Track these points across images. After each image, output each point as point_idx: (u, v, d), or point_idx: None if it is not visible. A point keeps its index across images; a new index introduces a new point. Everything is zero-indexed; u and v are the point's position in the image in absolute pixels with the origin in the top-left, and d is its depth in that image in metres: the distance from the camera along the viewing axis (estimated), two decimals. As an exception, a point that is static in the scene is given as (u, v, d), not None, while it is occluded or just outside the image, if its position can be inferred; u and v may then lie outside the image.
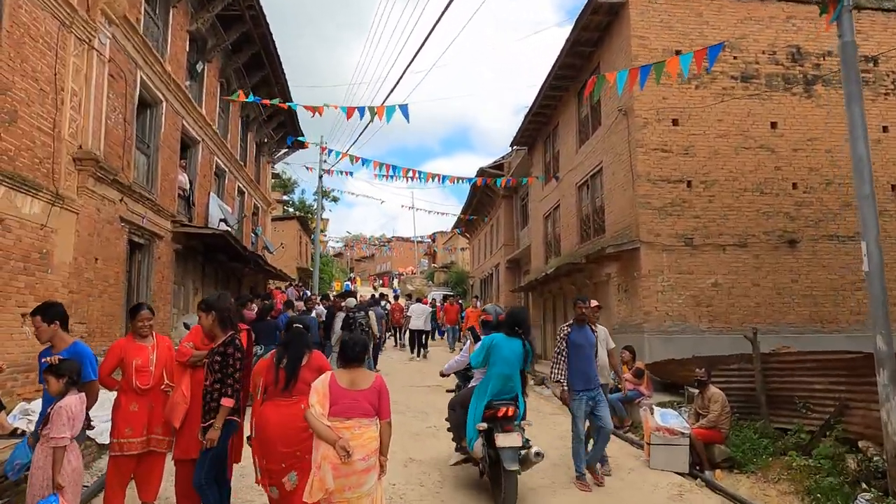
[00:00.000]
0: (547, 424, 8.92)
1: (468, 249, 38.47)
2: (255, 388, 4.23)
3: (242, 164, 17.81)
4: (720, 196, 10.57)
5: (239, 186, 17.64)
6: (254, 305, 10.66)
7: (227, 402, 3.98)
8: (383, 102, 9.35)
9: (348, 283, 53.95)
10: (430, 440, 7.86)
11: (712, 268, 10.35)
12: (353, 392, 3.64)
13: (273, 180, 50.43)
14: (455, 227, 32.51)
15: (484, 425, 5.16)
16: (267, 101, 12.01)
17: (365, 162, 13.37)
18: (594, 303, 7.43)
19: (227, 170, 16.12)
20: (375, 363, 14.31)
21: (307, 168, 23.02)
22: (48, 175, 7.35)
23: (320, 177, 24.73)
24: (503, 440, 5.02)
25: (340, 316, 11.38)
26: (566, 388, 6.27)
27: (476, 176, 19.47)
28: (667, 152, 10.58)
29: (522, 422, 5.44)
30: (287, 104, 10.73)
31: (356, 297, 13.02)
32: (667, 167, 10.54)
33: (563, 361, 6.31)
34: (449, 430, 6.36)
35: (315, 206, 56.06)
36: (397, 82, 39.83)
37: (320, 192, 24.78)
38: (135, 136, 10.14)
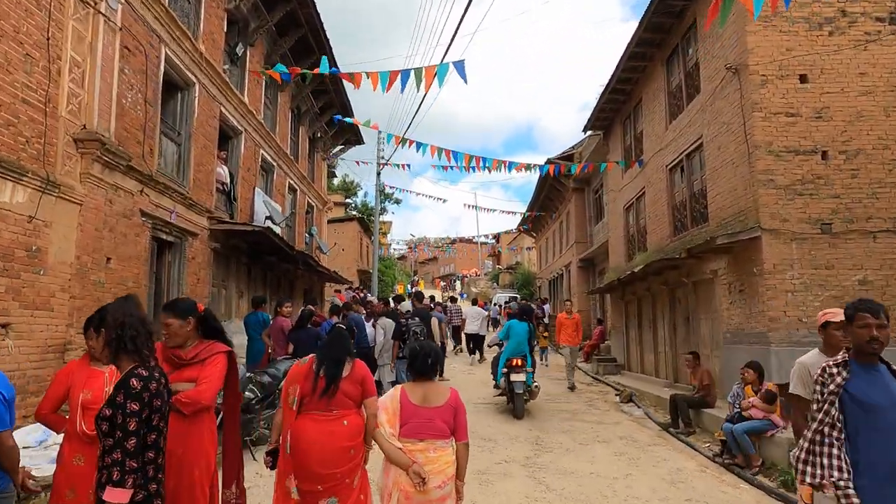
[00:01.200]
0: (647, 460, 7.01)
1: (534, 249, 36.40)
2: (287, 397, 3.51)
3: (293, 159, 16.68)
4: (867, 169, 8.28)
5: (290, 183, 16.52)
6: (305, 309, 9.26)
7: (112, 497, 2.21)
8: (440, 59, 7.82)
9: (410, 286, 53.24)
10: (501, 482, 6.11)
11: (859, 261, 8.09)
12: (427, 410, 3.32)
13: (334, 181, 50.27)
14: (521, 224, 30.56)
15: (505, 370, 9.23)
16: (297, 70, 10.63)
17: (420, 146, 11.77)
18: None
19: (275, 164, 14.99)
20: (441, 373, 12.78)
21: (363, 163, 21.44)
22: (38, 157, 6.15)
23: (378, 173, 23.45)
24: (514, 377, 9.05)
25: (384, 324, 9.84)
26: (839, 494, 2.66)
27: (546, 164, 17.55)
28: (793, 116, 8.40)
29: (529, 368, 9.20)
30: (327, 71, 9.19)
31: (420, 300, 11.49)
32: (794, 135, 8.36)
33: (831, 439, 2.73)
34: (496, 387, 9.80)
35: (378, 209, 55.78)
36: (448, 46, 38.10)
37: (378, 184, 23.44)
38: (160, 119, 8.98)
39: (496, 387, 9.70)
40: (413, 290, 18.60)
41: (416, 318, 9.81)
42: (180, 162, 9.88)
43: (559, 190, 24.94)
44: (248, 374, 6.70)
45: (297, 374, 3.49)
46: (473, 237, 61.93)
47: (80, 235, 6.77)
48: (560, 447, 7.42)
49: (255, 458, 6.65)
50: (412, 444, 3.23)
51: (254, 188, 13.28)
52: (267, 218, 13.12)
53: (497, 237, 54.96)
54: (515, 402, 9.07)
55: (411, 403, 3.32)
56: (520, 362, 8.99)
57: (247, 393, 6.47)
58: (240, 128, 12.38)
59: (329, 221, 33.02)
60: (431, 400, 3.34)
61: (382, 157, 23.01)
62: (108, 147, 7.03)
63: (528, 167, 13.31)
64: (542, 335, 15.68)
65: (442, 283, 68.06)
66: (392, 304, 10.98)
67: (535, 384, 9.36)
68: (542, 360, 15.35)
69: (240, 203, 12.46)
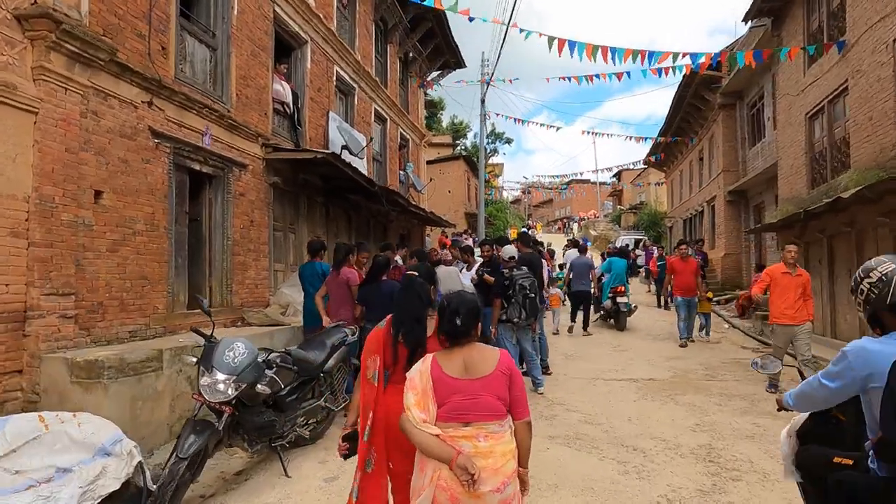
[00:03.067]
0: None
1: (665, 184, 31.90)
2: (366, 371, 2.76)
3: (380, 82, 14.29)
4: None
5: (377, 110, 14.21)
6: (379, 256, 7.02)
7: None
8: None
9: (525, 228, 50.29)
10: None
11: None
12: (470, 382, 2.39)
13: (443, 122, 47.90)
14: (651, 153, 26.27)
15: (611, 295, 12.03)
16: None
17: (527, 34, 8.80)
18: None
19: (355, 86, 12.68)
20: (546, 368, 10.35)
21: (460, 83, 18.62)
22: (-56, 37, 4.15)
23: (482, 101, 20.52)
24: (620, 299, 11.92)
25: (446, 275, 7.32)
26: None
27: (693, 70, 13.66)
28: None
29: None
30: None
31: (526, 244, 8.73)
32: None
33: None
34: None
35: (487, 150, 52.75)
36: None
37: (483, 111, 20.56)
38: (178, 8, 6.83)
39: (600, 310, 12.73)
40: (524, 230, 15.68)
41: (524, 268, 7.18)
42: (217, 71, 7.77)
43: (700, 109, 20.59)
44: (266, 357, 4.53)
45: (376, 341, 2.76)
46: (590, 178, 57.17)
47: (40, 158, 4.80)
48: (753, 470, 4.59)
49: (287, 474, 4.56)
50: (454, 430, 2.33)
51: (327, 113, 11.09)
52: (343, 148, 10.92)
53: (618, 174, 50.07)
54: (620, 319, 12.13)
55: (447, 376, 2.39)
56: (622, 289, 11.94)
57: (260, 387, 4.29)
58: (304, 35, 10.10)
59: (432, 162, 30.87)
60: (475, 369, 2.41)
61: (486, 75, 19.98)
62: (73, 32, 4.93)
63: (674, 60, 9.82)
64: (704, 296, 10.87)
65: (560, 226, 64.32)
66: (483, 249, 8.26)
67: (634, 305, 12.52)
68: (702, 332, 11.05)
69: (307, 129, 10.33)
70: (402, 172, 16.12)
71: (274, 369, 4.56)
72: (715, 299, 14.58)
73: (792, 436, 2.76)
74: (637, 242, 28.91)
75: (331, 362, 5.32)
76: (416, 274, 2.94)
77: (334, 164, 9.00)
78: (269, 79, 8.97)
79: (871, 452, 2.16)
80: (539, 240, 18.63)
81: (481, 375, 2.41)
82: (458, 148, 37.87)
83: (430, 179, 17.37)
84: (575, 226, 54.96)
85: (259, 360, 4.42)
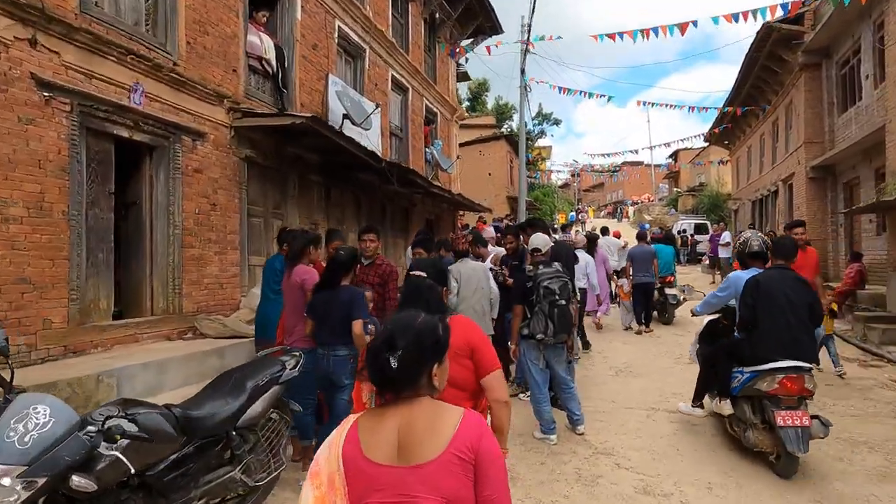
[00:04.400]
0: None
1: (729, 162, 28.81)
2: (361, 392, 2.53)
3: (398, 45, 12.39)
4: None
5: (395, 77, 12.33)
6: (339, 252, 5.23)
7: None
8: None
9: (574, 213, 47.54)
10: None
11: None
12: (402, 472, 1.44)
13: (487, 103, 45.57)
14: (715, 125, 23.32)
15: (659, 285, 10.36)
16: None
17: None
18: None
19: (366, 47, 10.84)
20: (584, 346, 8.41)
21: (497, 44, 16.47)
22: None
23: (522, 71, 18.28)
24: (668, 290, 10.50)
25: (463, 272, 5.43)
26: None
27: (777, 21, 11.14)
28: None
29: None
30: None
31: (567, 232, 6.78)
32: None
33: None
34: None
35: (534, 132, 50.18)
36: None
37: (523, 81, 18.32)
38: (84, -79, 5.13)
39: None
40: (535, 218, 13.49)
41: (555, 265, 5.19)
42: (157, 10, 6.05)
43: (776, 72, 17.76)
44: (105, 424, 2.77)
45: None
46: (644, 160, 53.69)
47: None
48: None
49: None
50: None
51: (326, 76, 9.30)
52: (345, 117, 9.12)
53: (675, 155, 46.62)
54: (668, 311, 10.64)
55: (367, 460, 1.47)
56: (671, 279, 10.52)
57: (77, 480, 2.53)
58: (291, -21, 8.33)
59: (471, 142, 28.82)
60: (413, 448, 1.45)
61: (526, 38, 17.73)
62: None
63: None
64: (829, 307, 6.82)
65: (609, 211, 61.18)
66: (507, 240, 6.33)
67: (683, 296, 10.61)
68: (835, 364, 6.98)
69: (298, 94, 8.56)
70: (428, 150, 14.23)
71: (123, 442, 2.78)
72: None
73: (695, 340, 5.52)
74: (697, 227, 26.12)
75: (252, 412, 3.53)
76: (424, 275, 2.53)
77: (323, 133, 7.20)
78: (241, 27, 7.23)
79: (735, 329, 4.63)
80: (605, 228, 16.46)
81: (421, 461, 1.42)
82: (502, 129, 35.59)
83: (458, 157, 15.42)
84: (630, 210, 51.78)
85: (92, 428, 2.66)
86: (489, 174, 28.05)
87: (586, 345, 8.81)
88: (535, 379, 5.05)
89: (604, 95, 17.25)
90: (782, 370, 4.07)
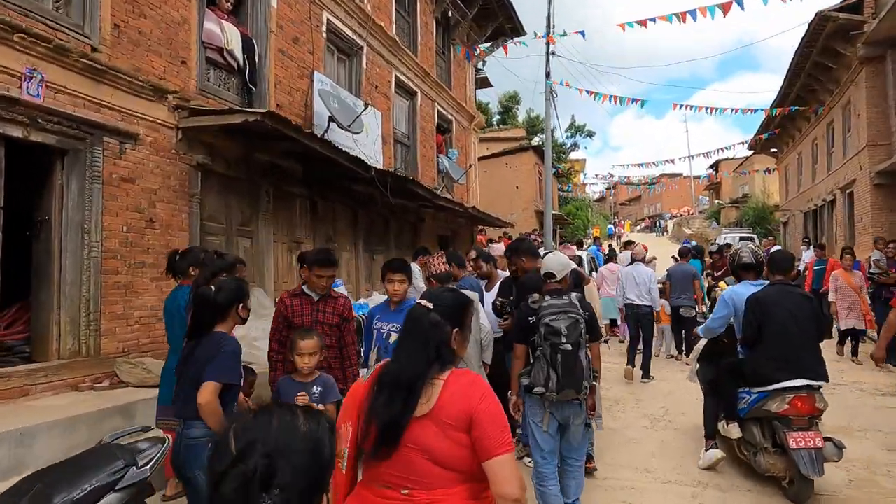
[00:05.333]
0: None
1: (777, 171, 26.72)
2: (339, 448, 1.82)
3: (403, 44, 11.24)
4: None
5: (400, 79, 11.15)
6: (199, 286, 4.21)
7: None
8: None
9: (611, 226, 45.58)
10: None
11: None
12: None
13: (518, 116, 44.26)
14: (761, 131, 21.33)
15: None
16: None
17: None
18: None
19: (363, 45, 9.70)
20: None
21: (515, 43, 15.12)
22: None
23: (547, 74, 16.91)
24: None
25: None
26: None
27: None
28: None
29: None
30: None
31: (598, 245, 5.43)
32: None
33: None
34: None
35: (567, 145, 48.57)
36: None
37: (548, 85, 16.92)
38: None
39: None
40: (589, 238, 12.12)
41: (571, 296, 3.77)
42: (71, -14, 4.97)
43: (830, 68, 15.96)
44: None
45: (353, 399, 1.84)
46: (682, 172, 51.23)
47: None
48: None
49: None
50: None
51: (311, 74, 8.16)
52: (330, 120, 7.94)
53: (716, 165, 44.31)
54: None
55: None
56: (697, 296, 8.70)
57: None
58: (264, -39, 7.23)
59: (497, 154, 27.52)
60: None
61: (549, 43, 16.37)
62: None
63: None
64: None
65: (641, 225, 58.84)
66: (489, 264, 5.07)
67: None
68: None
69: (273, 93, 7.41)
70: (440, 159, 12.97)
71: None
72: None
73: (694, 360, 5.08)
74: (743, 241, 24.11)
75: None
76: (430, 306, 1.82)
77: (287, 134, 6.00)
78: (194, 12, 6.13)
79: (738, 346, 4.43)
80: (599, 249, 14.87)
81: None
82: (528, 139, 34.18)
83: (470, 166, 14.07)
84: (669, 223, 49.48)
85: None
86: (516, 187, 26.68)
87: (647, 375, 7.94)
88: (539, 446, 3.66)
89: (636, 100, 15.62)
90: (792, 389, 3.96)
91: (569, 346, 3.48)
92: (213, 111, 5.81)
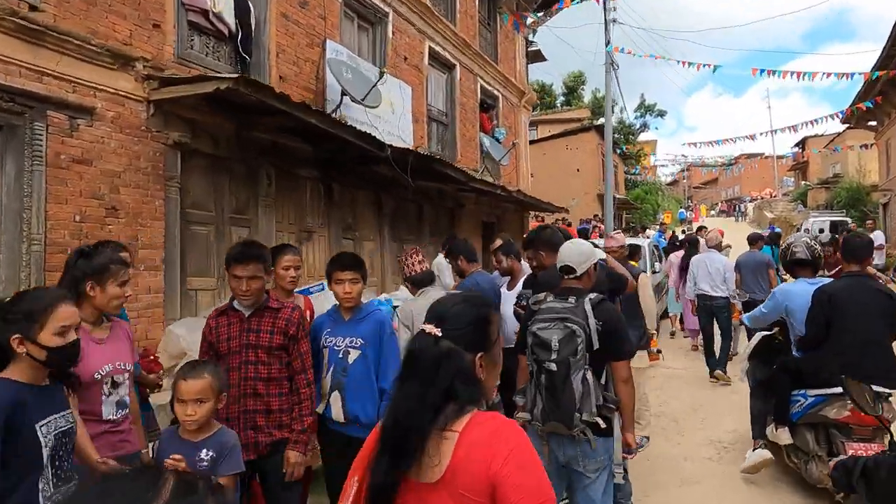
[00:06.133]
0: None
1: (875, 146, 23.76)
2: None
3: (438, 10, 10.18)
4: None
5: (433, 50, 10.10)
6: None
7: None
8: None
9: (684, 211, 42.85)
10: None
11: None
12: None
13: (584, 97, 42.15)
14: (860, 100, 18.75)
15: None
16: None
17: None
18: None
19: (388, 10, 8.72)
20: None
21: (564, 4, 13.63)
22: None
23: (607, 45, 15.32)
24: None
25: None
26: None
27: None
28: None
29: None
30: None
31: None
32: None
33: None
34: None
35: (636, 126, 45.93)
36: None
37: (609, 52, 15.36)
38: None
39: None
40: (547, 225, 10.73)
41: (587, 299, 2.71)
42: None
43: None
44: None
45: (366, 448, 1.47)
46: (764, 150, 47.14)
47: None
48: None
49: None
50: None
51: (323, 42, 7.27)
52: (343, 94, 7.04)
53: (802, 143, 40.56)
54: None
55: None
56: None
57: None
58: (260, -87, 6.36)
59: (556, 136, 26.01)
60: None
61: (609, 10, 14.80)
62: None
63: None
64: None
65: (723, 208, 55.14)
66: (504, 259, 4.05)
67: None
68: None
69: (275, 64, 6.57)
70: (486, 138, 11.84)
71: None
72: None
73: (745, 357, 4.57)
74: (835, 226, 21.58)
75: None
76: (438, 333, 1.38)
77: (272, 105, 5.13)
78: (171, -30, 5.34)
79: (793, 347, 4.04)
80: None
81: None
82: (591, 119, 32.24)
83: (514, 144, 12.78)
84: (749, 207, 46.01)
85: None
86: (577, 170, 25.09)
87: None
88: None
89: (707, 65, 13.88)
90: None
91: (553, 366, 2.58)
92: (183, 80, 4.99)
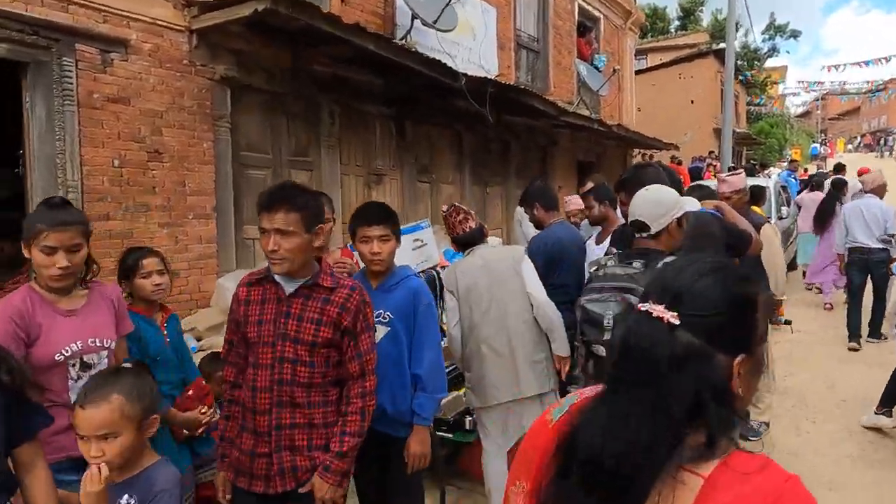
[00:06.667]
0: None
1: None
2: None
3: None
4: None
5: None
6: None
7: None
8: None
9: (816, 146, 38.18)
10: None
11: None
12: None
13: (702, 20, 37.88)
14: None
15: None
16: None
17: None
18: None
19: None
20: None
21: None
22: None
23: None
24: None
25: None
26: None
27: None
28: None
29: None
30: None
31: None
32: None
33: None
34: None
35: (763, 50, 40.94)
36: None
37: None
38: None
39: None
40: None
41: (636, 266, 1.94)
42: None
43: None
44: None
45: (534, 447, 1.03)
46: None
47: None
48: None
49: None
50: None
51: (391, -44, 6.45)
52: (414, 18, 6.23)
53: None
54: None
55: None
56: None
57: None
58: None
59: (667, 64, 23.45)
60: None
61: None
62: None
63: None
64: None
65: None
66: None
67: None
68: None
69: (334, -17, 5.87)
70: (578, 66, 10.56)
71: None
72: None
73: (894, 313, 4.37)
74: None
75: None
76: (674, 318, 0.89)
77: (317, 27, 4.47)
78: None
79: None
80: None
81: None
82: (709, 43, 28.82)
83: (614, 71, 11.25)
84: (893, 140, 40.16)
85: None
86: (691, 102, 22.61)
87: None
88: None
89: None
90: None
91: (603, 350, 2.11)
92: (221, 3, 4.43)
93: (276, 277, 2.01)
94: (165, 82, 4.44)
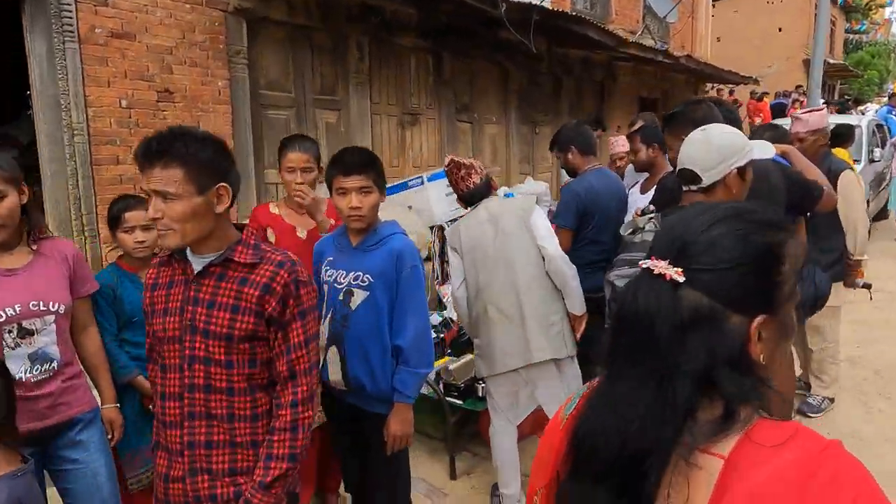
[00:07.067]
0: None
1: None
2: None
3: None
4: None
5: None
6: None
7: None
8: None
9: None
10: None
11: None
12: None
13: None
14: None
15: None
16: None
17: None
18: None
19: None
20: None
21: None
22: None
23: None
24: None
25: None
26: None
27: None
28: None
29: None
30: None
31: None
32: None
33: None
34: None
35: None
36: None
37: None
38: None
39: None
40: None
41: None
42: None
43: None
44: None
45: (549, 449, 0.93)
46: None
47: None
48: None
49: None
50: None
51: None
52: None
53: None
54: None
55: None
56: None
57: None
58: None
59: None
60: None
61: None
62: None
63: None
64: None
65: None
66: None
67: None
68: None
69: None
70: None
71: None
72: None
73: None
74: None
75: None
76: (678, 276, 0.79)
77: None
78: None
79: None
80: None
81: None
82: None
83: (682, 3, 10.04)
84: None
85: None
86: (779, 30, 20.44)
87: None
88: None
89: None
90: None
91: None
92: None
93: (189, 255, 1.59)
94: (174, 15, 4.15)
